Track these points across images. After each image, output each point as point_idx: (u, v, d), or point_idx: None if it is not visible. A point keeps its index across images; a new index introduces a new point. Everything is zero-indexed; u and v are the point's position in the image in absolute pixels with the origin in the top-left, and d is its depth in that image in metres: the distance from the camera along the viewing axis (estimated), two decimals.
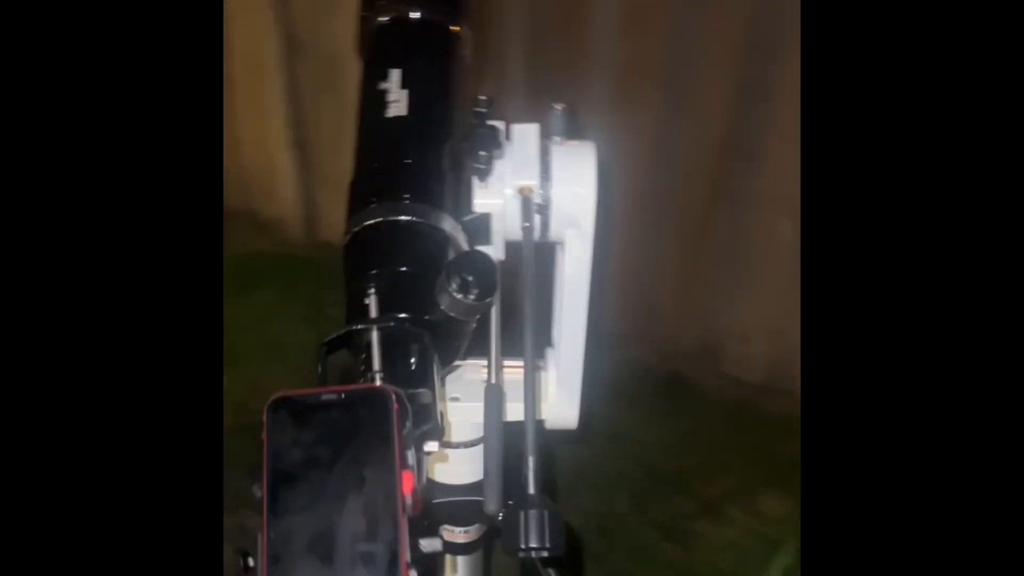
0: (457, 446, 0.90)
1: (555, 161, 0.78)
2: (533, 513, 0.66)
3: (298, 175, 3.33)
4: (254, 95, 3.17)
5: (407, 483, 0.55)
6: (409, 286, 0.69)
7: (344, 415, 0.56)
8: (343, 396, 0.57)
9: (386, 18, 0.85)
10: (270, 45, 3.03)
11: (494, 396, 0.74)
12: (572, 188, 0.78)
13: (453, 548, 1.00)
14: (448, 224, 0.73)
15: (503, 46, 2.15)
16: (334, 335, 0.64)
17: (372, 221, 0.72)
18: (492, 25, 2.08)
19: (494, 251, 0.79)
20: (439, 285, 0.67)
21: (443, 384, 0.70)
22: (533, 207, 0.76)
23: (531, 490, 0.67)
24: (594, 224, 0.79)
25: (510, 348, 0.80)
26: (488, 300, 0.67)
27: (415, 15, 0.84)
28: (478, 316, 0.71)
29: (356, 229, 0.73)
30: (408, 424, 0.57)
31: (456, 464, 0.92)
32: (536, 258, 0.76)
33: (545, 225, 0.79)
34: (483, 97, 0.77)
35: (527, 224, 0.76)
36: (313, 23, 3.01)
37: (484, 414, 0.72)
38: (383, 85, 0.80)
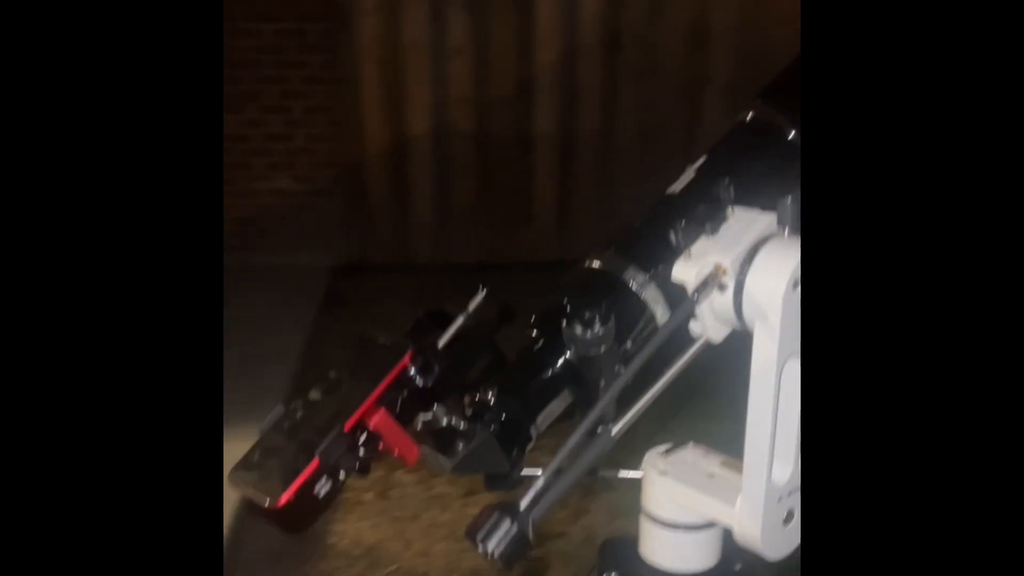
0: (656, 522, 0.92)
1: (762, 251, 0.78)
2: (505, 521, 0.71)
3: None
4: None
5: (374, 415, 0.70)
6: (556, 316, 0.81)
7: (380, 355, 0.75)
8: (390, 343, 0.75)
9: (748, 115, 0.95)
10: None
11: (604, 441, 0.78)
12: (765, 280, 0.77)
13: None
14: (637, 281, 0.83)
15: None
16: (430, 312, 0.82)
17: (588, 263, 0.87)
18: None
19: (702, 327, 0.82)
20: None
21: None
22: (714, 282, 0.78)
23: (523, 505, 0.72)
24: (782, 323, 0.76)
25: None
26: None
27: (747, 116, 0.92)
28: (595, 353, 0.78)
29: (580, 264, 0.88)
30: (419, 380, 0.72)
31: (655, 542, 0.93)
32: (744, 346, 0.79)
33: (739, 310, 0.79)
34: (726, 180, 0.82)
35: (695, 295, 0.78)
36: None
37: (570, 441, 0.77)
38: (690, 166, 0.91)
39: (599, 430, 0.79)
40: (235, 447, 0.80)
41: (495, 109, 4.51)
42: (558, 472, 0.74)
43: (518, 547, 0.71)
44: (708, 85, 4.50)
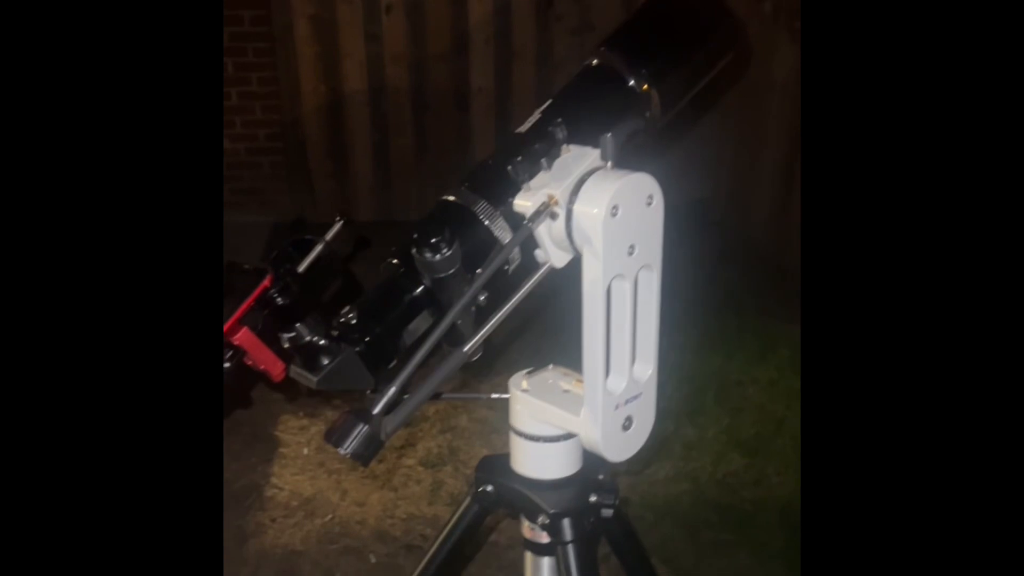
0: (522, 436, 1.00)
1: (587, 183, 0.86)
2: (358, 424, 0.79)
3: None
4: None
5: (237, 332, 0.78)
6: (410, 244, 0.89)
7: (244, 279, 0.82)
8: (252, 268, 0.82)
9: (593, 61, 1.02)
10: None
11: (457, 356, 0.86)
12: (588, 208, 0.84)
13: (533, 547, 1.08)
14: (485, 212, 0.90)
15: None
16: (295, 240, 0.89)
17: (443, 198, 0.94)
18: None
19: (545, 254, 0.90)
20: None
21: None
22: (547, 211, 0.86)
23: (375, 410, 0.80)
24: (604, 246, 0.84)
25: (569, 358, 0.91)
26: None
27: (595, 62, 0.99)
28: (446, 276, 0.86)
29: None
30: (279, 299, 0.80)
31: (524, 457, 1.02)
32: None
33: (570, 236, 0.87)
34: (559, 119, 0.90)
35: (528, 223, 0.86)
36: None
37: (440, 367, 0.85)
38: (537, 108, 0.98)
39: (453, 349, 0.87)
40: None
41: (431, 66, 4.53)
42: (406, 383, 0.81)
43: (370, 446, 0.79)
44: None
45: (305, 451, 2.78)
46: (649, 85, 0.98)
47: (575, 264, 0.89)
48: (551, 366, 1.04)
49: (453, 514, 1.12)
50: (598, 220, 0.84)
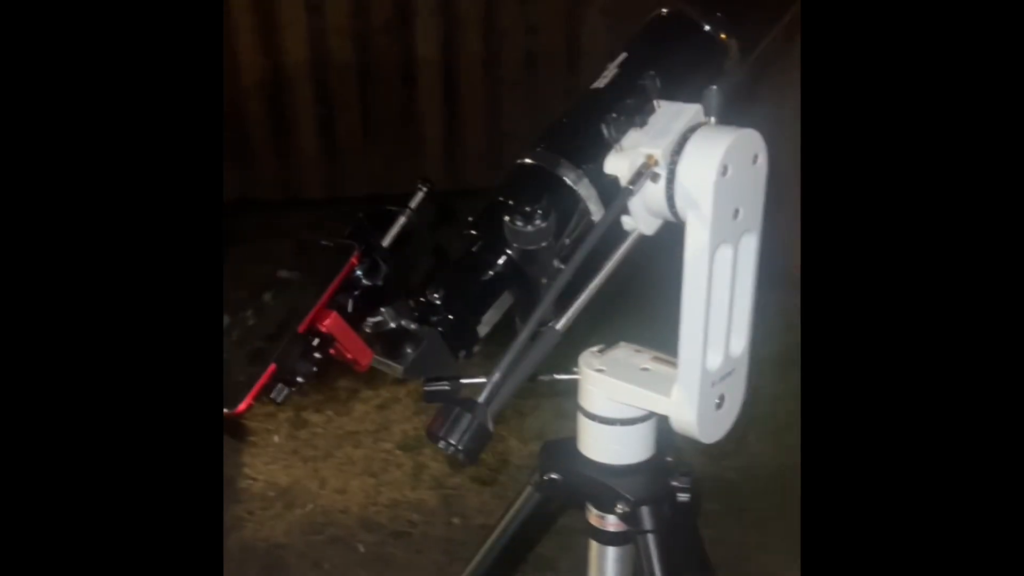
0: (595, 419, 0.93)
1: (691, 140, 0.78)
2: (465, 416, 0.70)
3: None
4: None
5: (325, 318, 0.68)
6: (493, 212, 0.80)
7: (326, 257, 0.72)
8: (334, 244, 0.73)
9: (664, 11, 0.94)
10: None
11: (550, 336, 0.78)
12: (696, 169, 0.77)
13: (602, 536, 1.01)
14: (570, 176, 0.82)
15: None
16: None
17: (520, 160, 0.85)
18: None
19: (635, 221, 0.83)
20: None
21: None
22: (647, 173, 0.78)
23: (481, 399, 0.72)
24: (714, 210, 0.77)
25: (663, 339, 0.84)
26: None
27: (664, 11, 0.91)
28: (536, 248, 0.78)
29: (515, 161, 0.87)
30: (367, 280, 0.70)
31: (594, 439, 0.95)
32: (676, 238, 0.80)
33: (671, 200, 0.79)
34: (651, 72, 0.82)
35: (630, 187, 0.78)
36: None
37: (520, 337, 0.77)
38: (610, 63, 0.90)
39: (543, 329, 0.79)
40: None
41: (375, 37, 4.38)
42: (510, 368, 0.73)
43: (480, 439, 0.71)
44: (588, 7, 4.50)
45: (276, 439, 2.66)
46: (727, 33, 0.91)
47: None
48: (621, 343, 0.97)
49: (511, 505, 1.04)
50: (709, 181, 0.77)
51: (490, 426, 0.72)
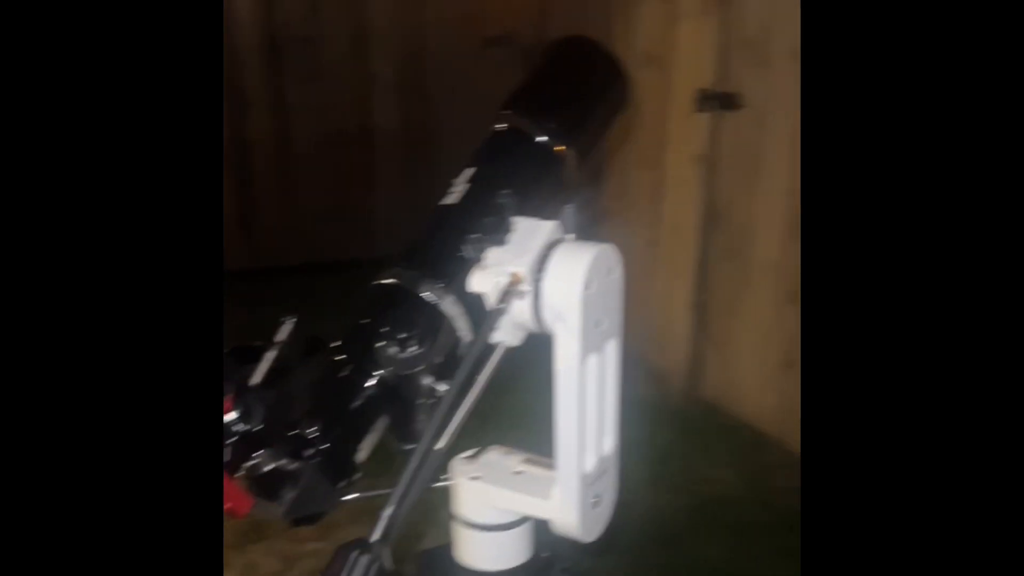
0: (474, 527, 0.94)
1: (554, 258, 0.82)
2: (362, 560, 0.69)
3: (691, 333, 3.42)
4: (672, 257, 3.39)
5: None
6: (363, 337, 0.80)
7: None
8: None
9: (502, 126, 0.98)
10: (694, 213, 3.24)
11: (434, 458, 0.78)
12: (561, 284, 0.81)
13: None
14: (435, 294, 0.83)
15: None
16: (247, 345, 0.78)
17: (380, 281, 0.86)
18: None
19: (501, 334, 0.85)
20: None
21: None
22: (514, 291, 0.81)
23: (375, 537, 0.71)
24: (582, 322, 0.81)
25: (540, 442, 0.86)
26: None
27: (502, 126, 0.96)
28: (414, 371, 0.78)
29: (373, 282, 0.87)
30: (242, 426, 0.69)
31: (474, 546, 0.95)
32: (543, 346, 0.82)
33: (538, 315, 0.83)
34: (506, 191, 0.85)
35: (500, 306, 0.81)
36: (732, 195, 3.17)
37: (410, 467, 0.77)
38: (456, 179, 0.93)
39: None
40: None
41: None
42: (402, 499, 0.73)
43: None
44: (375, 84, 4.56)
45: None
46: (564, 143, 0.96)
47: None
48: (492, 447, 0.99)
49: None
50: (575, 296, 0.81)
51: (388, 563, 0.71)
